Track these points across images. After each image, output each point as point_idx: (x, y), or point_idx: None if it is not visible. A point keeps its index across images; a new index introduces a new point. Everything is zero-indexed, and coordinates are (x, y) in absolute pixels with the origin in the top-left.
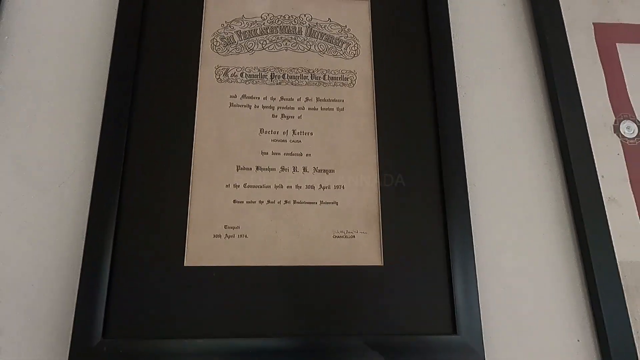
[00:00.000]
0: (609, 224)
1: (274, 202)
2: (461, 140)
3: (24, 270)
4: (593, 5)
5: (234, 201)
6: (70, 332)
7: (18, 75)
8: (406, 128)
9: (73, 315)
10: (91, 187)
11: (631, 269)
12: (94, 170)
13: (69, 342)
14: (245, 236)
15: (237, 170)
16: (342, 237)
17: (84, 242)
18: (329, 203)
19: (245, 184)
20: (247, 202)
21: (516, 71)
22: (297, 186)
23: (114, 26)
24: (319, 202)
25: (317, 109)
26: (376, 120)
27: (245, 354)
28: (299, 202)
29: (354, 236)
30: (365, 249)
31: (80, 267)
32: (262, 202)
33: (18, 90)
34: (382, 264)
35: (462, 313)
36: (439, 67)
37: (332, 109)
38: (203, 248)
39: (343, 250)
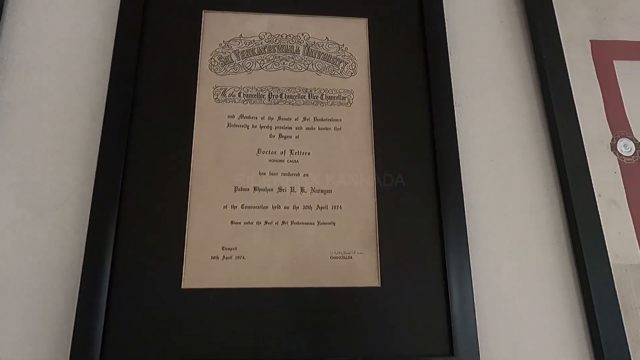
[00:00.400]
0: (607, 243)
1: (271, 223)
2: (458, 161)
3: (21, 294)
4: (590, 22)
5: (232, 222)
6: (69, 355)
7: (16, 96)
8: (403, 147)
9: (71, 338)
10: (89, 209)
11: (629, 289)
12: (91, 192)
13: None
14: (243, 257)
15: (235, 190)
16: (339, 257)
17: (81, 265)
18: (326, 223)
19: (242, 205)
20: (244, 223)
21: (513, 88)
22: (294, 206)
23: (112, 47)
24: (316, 223)
25: (314, 128)
26: (373, 139)
27: None
28: (296, 223)
29: (351, 257)
30: (362, 270)
31: (77, 290)
32: (260, 222)
33: (16, 111)
34: (380, 285)
35: (459, 334)
36: (436, 85)
37: (330, 129)
38: (200, 270)
39: (340, 272)
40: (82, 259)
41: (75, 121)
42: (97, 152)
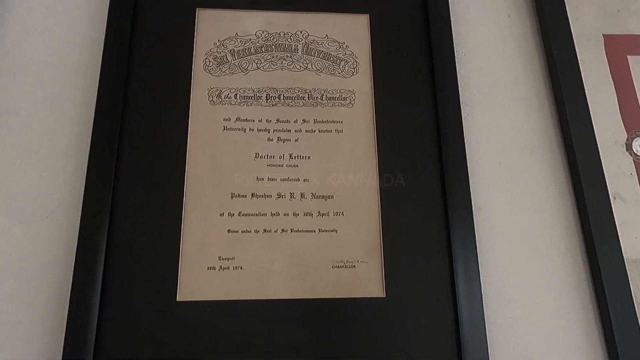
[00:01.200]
0: (622, 248)
1: (270, 231)
2: (466, 163)
3: (10, 307)
4: (602, 17)
5: (229, 231)
6: None
7: (3, 105)
8: (408, 150)
9: (61, 356)
10: (79, 218)
11: None
12: (81, 201)
13: None
14: (241, 268)
15: (232, 197)
16: (342, 267)
17: (71, 278)
18: (327, 231)
19: (240, 212)
20: (242, 231)
21: (523, 87)
22: (294, 213)
23: (102, 48)
24: (317, 230)
25: (314, 131)
26: (376, 142)
27: None
28: (296, 231)
29: (354, 266)
30: (366, 280)
31: (67, 304)
32: (258, 231)
33: (3, 121)
34: (384, 296)
35: (468, 346)
36: (441, 85)
37: (331, 131)
38: (196, 281)
39: (343, 282)
40: (72, 272)
41: (63, 127)
42: (87, 159)
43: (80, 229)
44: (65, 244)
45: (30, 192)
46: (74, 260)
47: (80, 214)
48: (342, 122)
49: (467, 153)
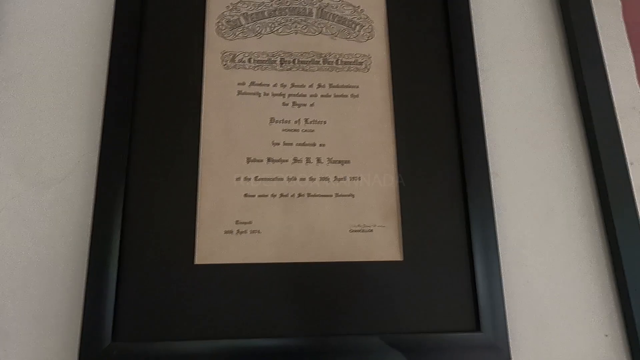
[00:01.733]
0: (639, 213)
1: (287, 196)
2: (483, 127)
3: (28, 271)
4: None
5: (245, 195)
6: (79, 335)
7: (14, 67)
8: (424, 115)
9: (81, 318)
10: (94, 182)
11: None
12: (96, 165)
13: (78, 345)
14: (258, 232)
15: (247, 162)
16: (359, 231)
17: (89, 241)
18: (344, 195)
19: (256, 177)
20: (258, 195)
21: (540, 52)
22: (310, 178)
23: (113, 12)
24: (334, 195)
25: (330, 95)
26: (393, 107)
27: (259, 355)
28: (313, 195)
29: (372, 230)
30: (383, 244)
31: (86, 267)
32: (275, 195)
33: (14, 83)
34: (402, 259)
35: (485, 309)
36: (458, 49)
37: (346, 96)
38: (214, 245)
39: (360, 245)
40: (89, 237)
41: (75, 90)
42: (101, 123)
43: (96, 194)
44: (81, 207)
45: (46, 156)
46: (91, 224)
47: (95, 178)
48: (358, 87)
49: (484, 117)
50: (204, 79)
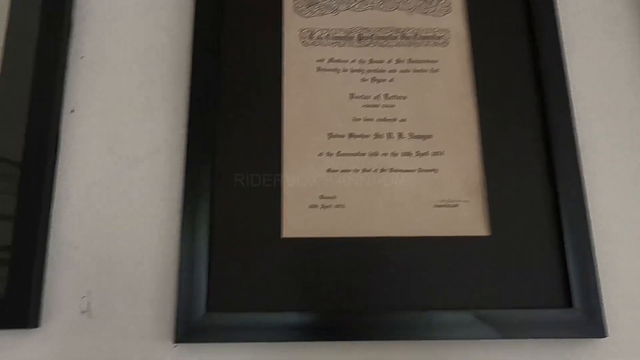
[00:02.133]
0: None
1: (369, 171)
2: (568, 100)
3: (123, 244)
4: None
5: (328, 170)
6: (174, 305)
7: (102, 50)
8: (507, 88)
9: (175, 289)
10: (182, 159)
11: None
12: (184, 143)
13: (174, 316)
14: (342, 206)
15: (329, 138)
16: (443, 206)
17: (180, 215)
18: (427, 171)
19: (338, 152)
20: (341, 170)
21: (624, 24)
22: (392, 153)
23: None
24: (417, 170)
25: (409, 70)
26: (474, 81)
27: (346, 328)
28: (395, 170)
29: (457, 205)
30: (469, 219)
31: (178, 242)
32: (357, 170)
33: (102, 61)
34: (489, 234)
35: (577, 285)
36: (539, 21)
37: (426, 71)
38: (299, 219)
39: (446, 221)
40: (180, 211)
41: (161, 72)
42: (187, 103)
43: (185, 170)
44: (170, 183)
45: (135, 132)
46: (182, 199)
47: (183, 156)
48: (437, 62)
49: (569, 89)
50: (284, 57)
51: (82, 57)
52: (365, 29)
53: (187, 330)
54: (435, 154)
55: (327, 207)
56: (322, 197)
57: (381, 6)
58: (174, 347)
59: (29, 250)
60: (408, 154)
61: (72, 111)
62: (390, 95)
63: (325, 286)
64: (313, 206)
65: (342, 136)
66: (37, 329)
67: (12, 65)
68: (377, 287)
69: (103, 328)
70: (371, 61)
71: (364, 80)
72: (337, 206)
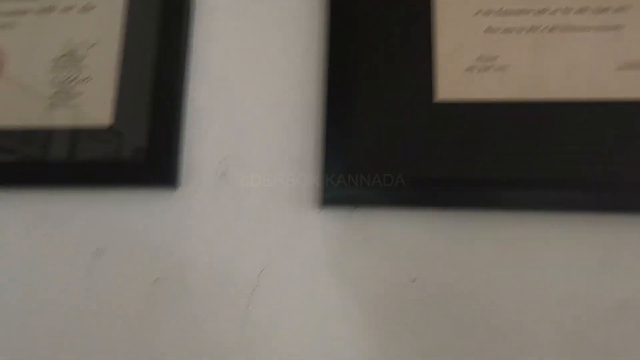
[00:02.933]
0: None
1: (537, 30)
2: None
3: (271, 106)
4: None
5: (487, 29)
6: (321, 167)
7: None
8: None
9: (322, 151)
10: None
11: None
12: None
13: (321, 177)
14: (505, 68)
15: None
16: (628, 69)
17: (326, 76)
18: (608, 29)
19: (500, 10)
20: (503, 30)
21: None
22: (564, 10)
23: None
24: (595, 29)
25: None
26: None
27: (508, 201)
28: (568, 30)
29: None
30: None
31: (325, 104)
32: (522, 30)
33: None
34: None
35: None
36: None
37: None
38: (454, 82)
39: (632, 84)
40: (326, 72)
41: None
42: None
43: (329, 33)
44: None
45: None
46: (327, 60)
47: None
48: None
49: None
50: None
51: None
52: None
53: (331, 194)
54: (618, 9)
55: (487, 69)
56: (480, 58)
57: None
58: (318, 212)
59: (168, 115)
60: (583, 10)
61: None
62: None
63: (481, 153)
64: (469, 68)
65: None
66: (177, 190)
67: None
68: (544, 157)
69: (244, 194)
70: None
71: None
72: (498, 69)
